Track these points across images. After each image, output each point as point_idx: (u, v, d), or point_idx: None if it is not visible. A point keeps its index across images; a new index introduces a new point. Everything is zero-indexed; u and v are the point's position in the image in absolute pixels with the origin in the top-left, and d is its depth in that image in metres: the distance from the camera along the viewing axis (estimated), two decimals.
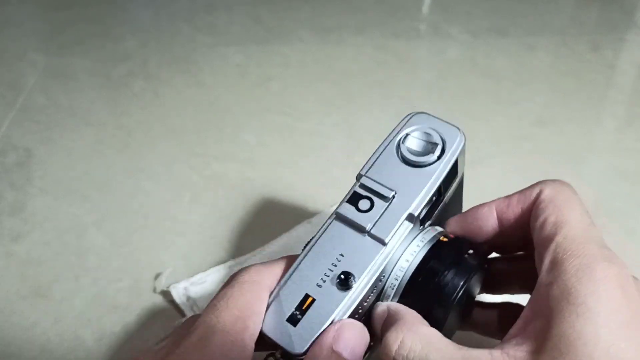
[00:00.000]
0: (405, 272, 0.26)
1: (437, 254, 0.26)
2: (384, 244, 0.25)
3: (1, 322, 0.38)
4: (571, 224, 0.24)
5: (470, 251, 0.27)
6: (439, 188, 0.27)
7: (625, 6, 0.91)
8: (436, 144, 0.27)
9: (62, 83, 0.65)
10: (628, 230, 0.47)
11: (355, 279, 0.25)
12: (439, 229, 0.28)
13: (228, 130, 0.58)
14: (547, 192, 0.26)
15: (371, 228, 0.25)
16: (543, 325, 0.21)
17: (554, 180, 0.27)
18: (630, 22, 0.88)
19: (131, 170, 0.52)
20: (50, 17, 0.81)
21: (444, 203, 0.29)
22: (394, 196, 0.26)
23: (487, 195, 0.50)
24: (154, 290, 0.41)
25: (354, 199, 0.26)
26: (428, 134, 0.27)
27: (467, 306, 0.29)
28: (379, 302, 0.26)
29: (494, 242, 0.30)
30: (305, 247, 0.26)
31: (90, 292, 0.41)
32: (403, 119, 0.28)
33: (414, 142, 0.27)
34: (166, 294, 0.41)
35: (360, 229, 0.26)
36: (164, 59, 0.70)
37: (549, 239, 0.24)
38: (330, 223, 0.26)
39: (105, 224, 0.47)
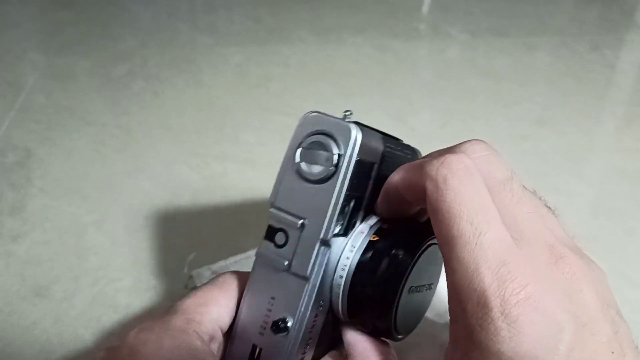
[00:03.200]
0: (342, 288, 0.25)
1: (366, 263, 0.25)
2: (306, 279, 0.24)
3: (1, 322, 0.38)
4: (457, 247, 0.20)
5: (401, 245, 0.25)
6: (350, 194, 0.24)
7: (625, 6, 0.91)
8: (331, 153, 0.24)
9: (62, 83, 0.65)
10: (628, 230, 0.47)
11: (289, 321, 0.25)
12: (371, 222, 0.26)
13: (228, 130, 0.58)
14: (430, 190, 0.21)
15: (290, 265, 0.24)
16: None
17: (441, 163, 0.21)
18: (630, 22, 0.88)
19: (131, 170, 0.52)
20: (50, 17, 0.81)
21: (374, 193, 0.26)
22: (303, 224, 0.24)
23: None
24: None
25: (270, 234, 0.25)
26: (320, 143, 0.24)
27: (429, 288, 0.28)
28: (345, 331, 0.26)
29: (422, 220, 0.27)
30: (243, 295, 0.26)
31: (90, 292, 0.41)
32: (297, 126, 0.25)
33: (308, 156, 0.24)
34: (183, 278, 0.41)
35: (281, 268, 0.24)
36: (164, 59, 0.70)
37: (446, 272, 0.21)
38: (255, 266, 0.26)
39: (105, 224, 0.47)
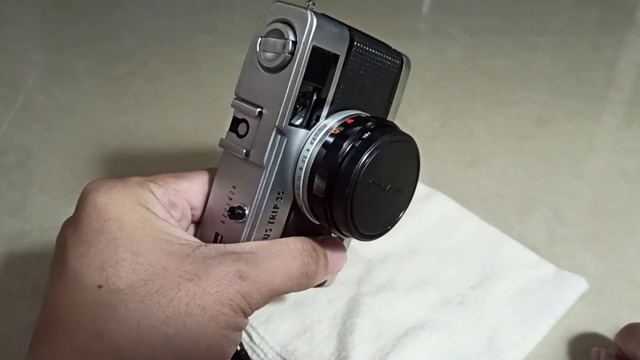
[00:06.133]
0: (302, 179, 0.25)
1: (325, 154, 0.25)
2: (262, 166, 0.24)
3: (1, 322, 0.38)
4: None
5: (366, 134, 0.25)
6: (307, 83, 0.24)
7: (625, 6, 0.91)
8: (287, 40, 0.23)
9: (62, 83, 0.65)
10: (628, 230, 0.47)
11: (247, 209, 0.25)
12: (337, 117, 0.26)
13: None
14: None
15: (248, 154, 0.25)
16: None
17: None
18: (630, 22, 0.88)
19: (131, 170, 0.52)
20: (50, 17, 0.81)
21: (342, 86, 0.26)
22: (261, 112, 0.24)
23: (487, 195, 0.50)
24: None
25: (234, 125, 0.25)
26: (278, 31, 0.24)
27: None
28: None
29: None
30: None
31: None
32: (261, 16, 0.25)
33: (267, 45, 0.24)
34: None
35: (240, 157, 0.25)
36: (164, 59, 0.70)
37: None
38: (221, 157, 0.26)
39: None
